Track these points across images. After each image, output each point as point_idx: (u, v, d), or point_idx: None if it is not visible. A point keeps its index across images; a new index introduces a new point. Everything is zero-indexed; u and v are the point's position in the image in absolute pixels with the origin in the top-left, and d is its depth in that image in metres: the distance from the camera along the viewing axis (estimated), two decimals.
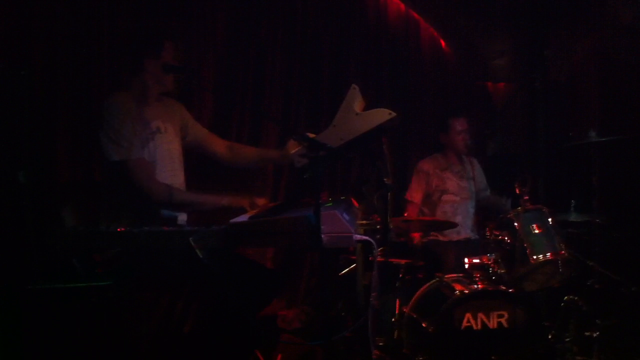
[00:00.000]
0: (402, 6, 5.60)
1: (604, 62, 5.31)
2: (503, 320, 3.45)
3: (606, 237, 4.21)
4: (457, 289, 3.54)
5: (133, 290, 2.61)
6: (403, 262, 3.86)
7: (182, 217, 3.08)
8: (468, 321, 3.42)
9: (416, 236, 4.34)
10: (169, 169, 3.04)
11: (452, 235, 4.52)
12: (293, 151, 2.93)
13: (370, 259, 2.65)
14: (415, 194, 4.63)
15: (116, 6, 3.80)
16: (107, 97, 2.98)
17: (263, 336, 3.23)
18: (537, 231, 3.76)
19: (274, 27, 4.75)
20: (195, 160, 3.54)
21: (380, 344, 3.67)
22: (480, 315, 3.43)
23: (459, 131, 4.66)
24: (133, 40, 3.13)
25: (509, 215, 3.86)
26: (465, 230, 4.59)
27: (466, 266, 3.72)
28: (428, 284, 3.76)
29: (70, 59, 3.62)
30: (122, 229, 2.23)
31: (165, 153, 3.03)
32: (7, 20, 3.35)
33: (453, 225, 4.21)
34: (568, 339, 3.90)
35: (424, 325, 3.51)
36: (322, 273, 2.32)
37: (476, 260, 3.73)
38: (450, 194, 4.62)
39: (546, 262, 3.75)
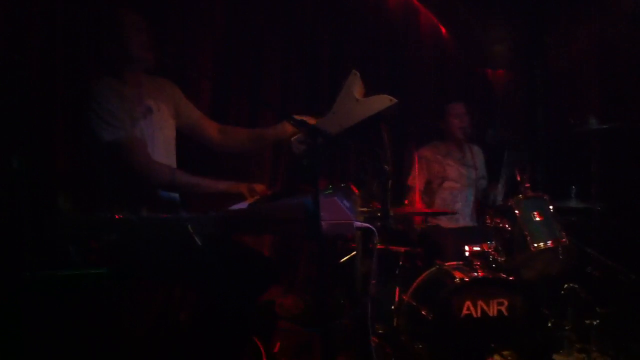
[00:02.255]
0: None
1: (605, 50, 5.27)
2: (503, 308, 3.43)
3: (606, 224, 4.20)
4: (456, 276, 3.52)
5: (130, 278, 2.58)
6: (402, 249, 3.84)
7: (179, 202, 3.04)
8: (468, 309, 3.41)
9: (417, 220, 4.32)
10: (163, 151, 2.97)
11: (451, 222, 4.51)
12: (292, 138, 2.90)
13: (370, 246, 2.63)
14: (416, 180, 4.61)
15: None
16: (93, 82, 2.90)
17: (261, 323, 3.23)
18: (537, 219, 3.75)
19: (272, 13, 4.70)
20: (186, 148, 3.48)
21: (380, 331, 3.66)
22: (480, 303, 3.41)
23: (455, 115, 4.64)
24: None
25: (509, 203, 3.84)
26: (464, 218, 4.58)
27: (466, 254, 3.70)
28: (427, 272, 3.74)
29: (66, 46, 3.57)
30: (120, 215, 2.21)
31: (158, 133, 2.95)
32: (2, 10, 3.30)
33: (452, 213, 4.19)
34: (567, 327, 3.90)
35: (423, 312, 3.49)
36: (321, 260, 2.29)
37: (476, 248, 3.71)
38: (451, 180, 4.60)
39: (546, 249, 3.73)
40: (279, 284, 4.60)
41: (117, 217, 2.21)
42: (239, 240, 3.11)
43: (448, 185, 4.59)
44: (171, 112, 3.10)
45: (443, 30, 5.86)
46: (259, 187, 2.81)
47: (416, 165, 4.63)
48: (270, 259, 3.77)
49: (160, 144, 2.94)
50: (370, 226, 2.46)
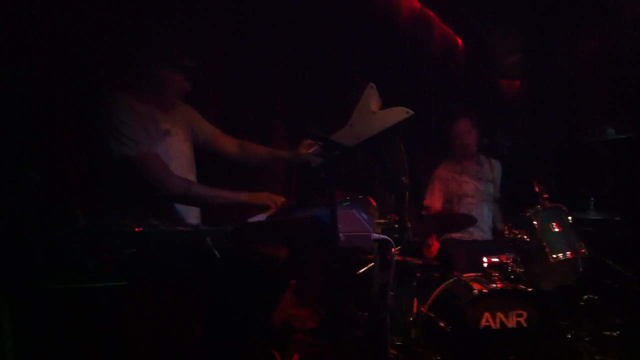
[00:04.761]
0: (417, 4, 5.55)
1: (614, 59, 5.25)
2: (522, 320, 3.41)
3: (624, 235, 4.17)
4: (475, 288, 3.50)
5: (143, 290, 2.59)
6: (420, 261, 3.83)
7: (196, 215, 3.06)
8: (486, 320, 3.39)
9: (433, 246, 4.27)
10: (180, 171, 2.99)
11: (465, 235, 4.49)
12: (309, 150, 2.91)
13: (387, 257, 2.62)
14: (434, 200, 4.59)
15: (120, 5, 3.77)
16: (109, 95, 2.94)
17: (278, 336, 3.22)
18: (556, 230, 3.74)
19: (281, 24, 4.71)
20: (205, 166, 3.50)
21: (397, 343, 3.64)
22: (499, 315, 3.39)
23: (460, 132, 4.62)
24: (141, 41, 3.12)
25: (527, 214, 3.82)
26: (478, 232, 4.55)
27: (484, 265, 3.68)
28: (445, 283, 3.73)
29: (76, 57, 3.60)
30: (139, 229, 2.22)
31: (175, 154, 2.99)
32: (9, 19, 3.34)
33: (473, 220, 4.15)
34: (587, 339, 3.87)
35: (441, 324, 3.48)
36: (336, 272, 2.30)
37: (494, 259, 3.69)
38: (469, 197, 4.58)
39: (565, 260, 3.71)
40: (294, 296, 4.59)
41: (136, 230, 2.21)
42: (255, 255, 3.11)
43: (466, 201, 4.57)
44: (187, 135, 3.15)
45: (459, 40, 5.86)
46: (279, 199, 2.83)
47: (434, 186, 4.63)
48: (284, 276, 3.77)
49: (177, 164, 2.96)
50: (388, 238, 2.46)
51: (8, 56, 3.19)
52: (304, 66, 4.84)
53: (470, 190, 4.59)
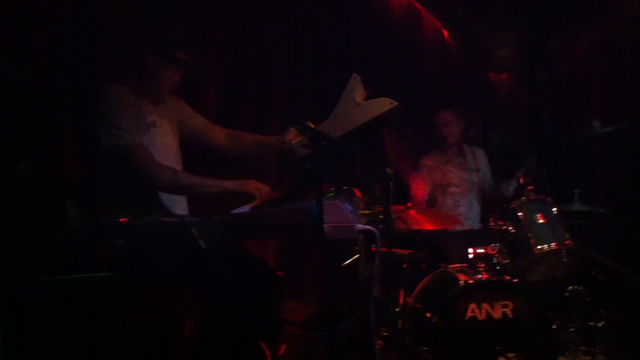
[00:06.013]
0: None
1: (608, 54, 5.27)
2: (507, 311, 3.43)
3: (610, 227, 4.20)
4: (461, 279, 3.52)
5: (135, 282, 2.60)
6: (406, 252, 3.85)
7: (183, 206, 3.07)
8: (472, 311, 3.41)
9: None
10: (165, 163, 2.99)
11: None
12: (294, 141, 2.92)
13: (373, 249, 2.63)
14: (418, 189, 4.62)
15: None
16: (103, 87, 2.96)
17: (266, 327, 3.23)
18: (541, 221, 3.76)
19: (276, 19, 4.71)
20: (192, 159, 3.50)
21: (384, 334, 3.66)
22: (485, 306, 3.41)
23: (443, 124, 4.68)
24: (139, 35, 3.12)
25: (512, 205, 3.85)
26: (467, 221, 4.58)
27: (470, 256, 3.71)
28: (432, 274, 3.75)
29: (72, 52, 3.59)
30: (125, 219, 2.22)
31: (159, 146, 2.99)
32: (7, 15, 3.32)
33: (456, 221, 4.18)
34: (572, 329, 3.90)
35: (427, 315, 3.50)
36: (324, 264, 2.30)
37: (480, 251, 3.72)
38: (453, 186, 4.61)
39: (550, 252, 3.74)
40: (281, 290, 4.60)
41: (121, 220, 2.22)
42: (242, 247, 3.12)
43: (451, 190, 4.60)
44: (174, 128, 3.16)
45: (446, 34, 5.86)
46: (265, 188, 2.84)
47: (421, 174, 4.65)
48: (272, 268, 3.78)
49: (161, 157, 2.96)
50: (372, 229, 2.47)
51: (4, 49, 3.19)
52: (297, 60, 4.85)
53: (455, 180, 4.63)
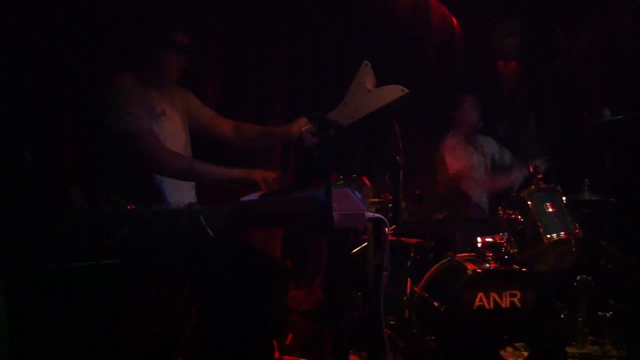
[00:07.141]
0: None
1: (615, 43, 5.24)
2: (516, 300, 3.40)
3: (619, 217, 4.18)
4: (469, 268, 3.50)
5: (140, 272, 2.59)
6: (414, 241, 3.83)
7: (191, 195, 3.06)
8: (480, 300, 3.38)
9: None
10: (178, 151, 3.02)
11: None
12: (304, 129, 2.90)
13: (381, 237, 2.61)
14: (452, 164, 4.60)
15: None
16: (111, 79, 2.97)
17: (272, 317, 3.22)
18: (550, 210, 3.74)
19: (278, 7, 4.67)
20: (200, 151, 3.49)
21: (391, 323, 3.65)
22: (493, 295, 3.39)
23: (470, 106, 4.68)
24: (143, 28, 3.12)
25: (521, 194, 3.82)
26: (476, 208, 4.55)
27: (479, 245, 3.68)
28: (439, 263, 3.73)
29: (73, 43, 3.56)
30: (131, 207, 2.21)
31: (169, 135, 3.00)
32: (7, 7, 3.29)
33: (467, 199, 4.15)
34: (580, 319, 3.89)
35: (435, 304, 3.48)
36: (331, 253, 2.29)
37: (489, 240, 3.69)
38: (474, 168, 4.60)
39: (559, 241, 3.72)
40: (289, 280, 4.59)
41: (128, 207, 2.20)
42: (249, 238, 3.11)
43: (472, 173, 4.59)
44: (183, 119, 3.18)
45: (454, 21, 5.82)
46: (273, 175, 2.83)
47: (444, 157, 4.61)
48: (279, 258, 3.78)
49: (172, 146, 2.97)
50: (382, 217, 2.45)
51: (6, 38, 3.16)
52: (301, 48, 4.81)
53: (475, 162, 4.66)
